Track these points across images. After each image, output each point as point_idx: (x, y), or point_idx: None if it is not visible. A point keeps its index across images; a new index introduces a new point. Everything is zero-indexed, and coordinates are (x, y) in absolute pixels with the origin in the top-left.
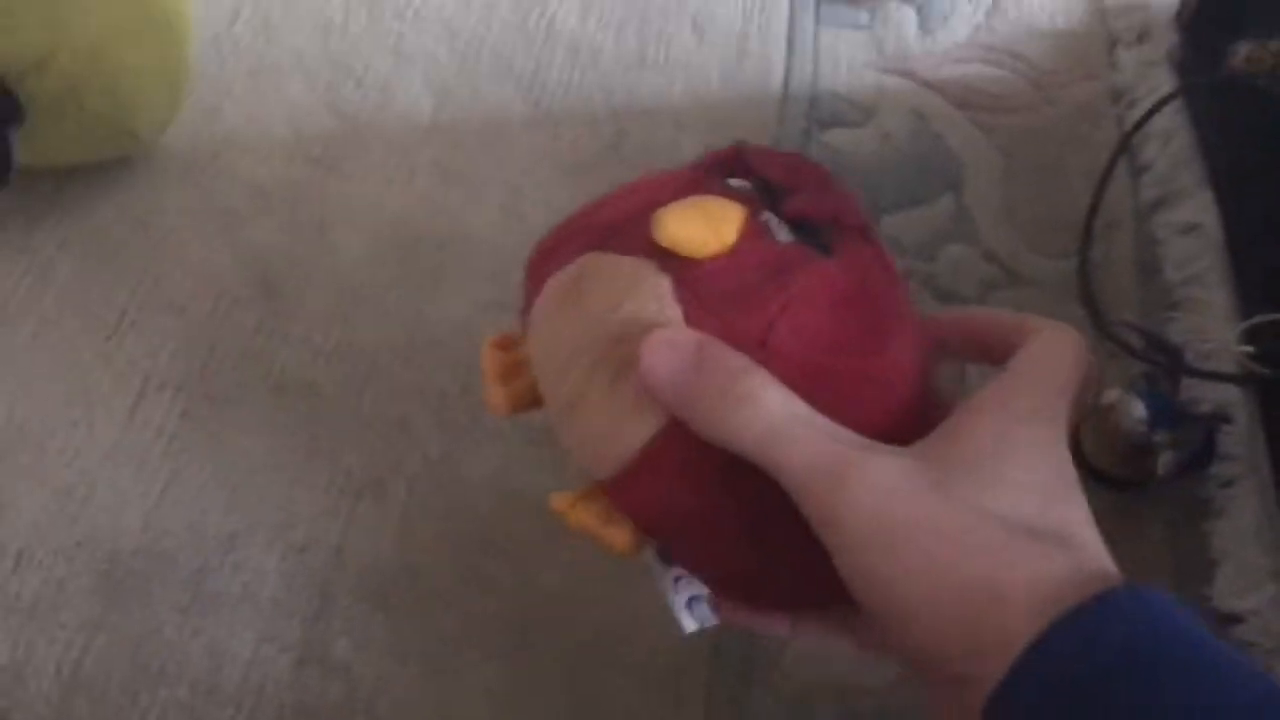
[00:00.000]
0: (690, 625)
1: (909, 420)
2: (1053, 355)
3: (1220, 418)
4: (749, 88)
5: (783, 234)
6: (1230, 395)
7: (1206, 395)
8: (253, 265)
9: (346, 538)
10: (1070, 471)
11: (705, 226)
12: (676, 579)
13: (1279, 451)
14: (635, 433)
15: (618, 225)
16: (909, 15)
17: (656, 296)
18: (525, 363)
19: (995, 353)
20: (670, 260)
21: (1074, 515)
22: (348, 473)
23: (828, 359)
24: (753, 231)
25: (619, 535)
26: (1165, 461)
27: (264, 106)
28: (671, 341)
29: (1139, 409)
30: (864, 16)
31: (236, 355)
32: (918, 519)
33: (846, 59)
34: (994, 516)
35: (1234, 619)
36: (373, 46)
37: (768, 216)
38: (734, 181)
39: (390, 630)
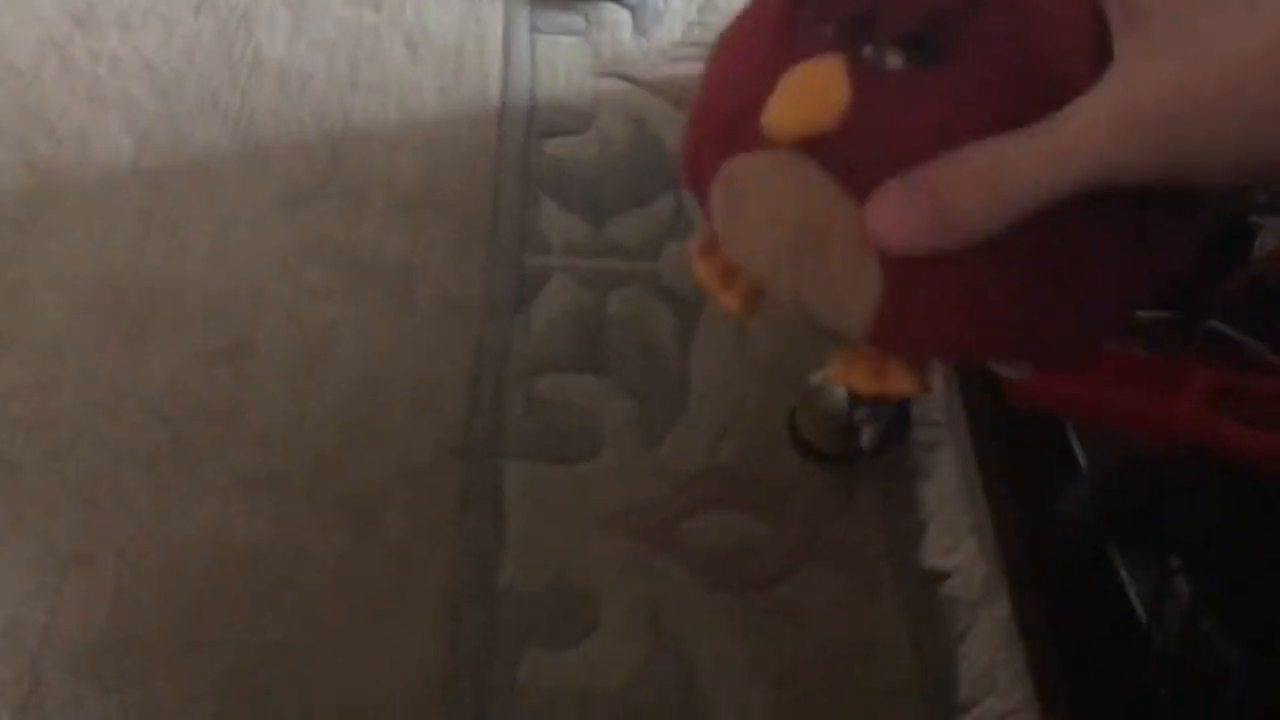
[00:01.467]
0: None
1: None
2: None
3: None
4: (466, 103)
5: (892, 59)
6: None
7: None
8: None
9: (56, 615)
10: None
11: (813, 101)
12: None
13: (975, 413)
14: (866, 300)
15: (733, 122)
16: (624, 17)
17: (809, 185)
18: (734, 264)
19: None
20: (808, 145)
21: None
22: (54, 546)
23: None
24: (862, 77)
25: (905, 380)
26: (867, 436)
27: None
28: (879, 201)
29: (839, 390)
30: (579, 21)
31: None
32: None
33: (564, 66)
34: None
35: (942, 576)
36: (67, 94)
37: (869, 50)
38: (817, 26)
39: (108, 706)
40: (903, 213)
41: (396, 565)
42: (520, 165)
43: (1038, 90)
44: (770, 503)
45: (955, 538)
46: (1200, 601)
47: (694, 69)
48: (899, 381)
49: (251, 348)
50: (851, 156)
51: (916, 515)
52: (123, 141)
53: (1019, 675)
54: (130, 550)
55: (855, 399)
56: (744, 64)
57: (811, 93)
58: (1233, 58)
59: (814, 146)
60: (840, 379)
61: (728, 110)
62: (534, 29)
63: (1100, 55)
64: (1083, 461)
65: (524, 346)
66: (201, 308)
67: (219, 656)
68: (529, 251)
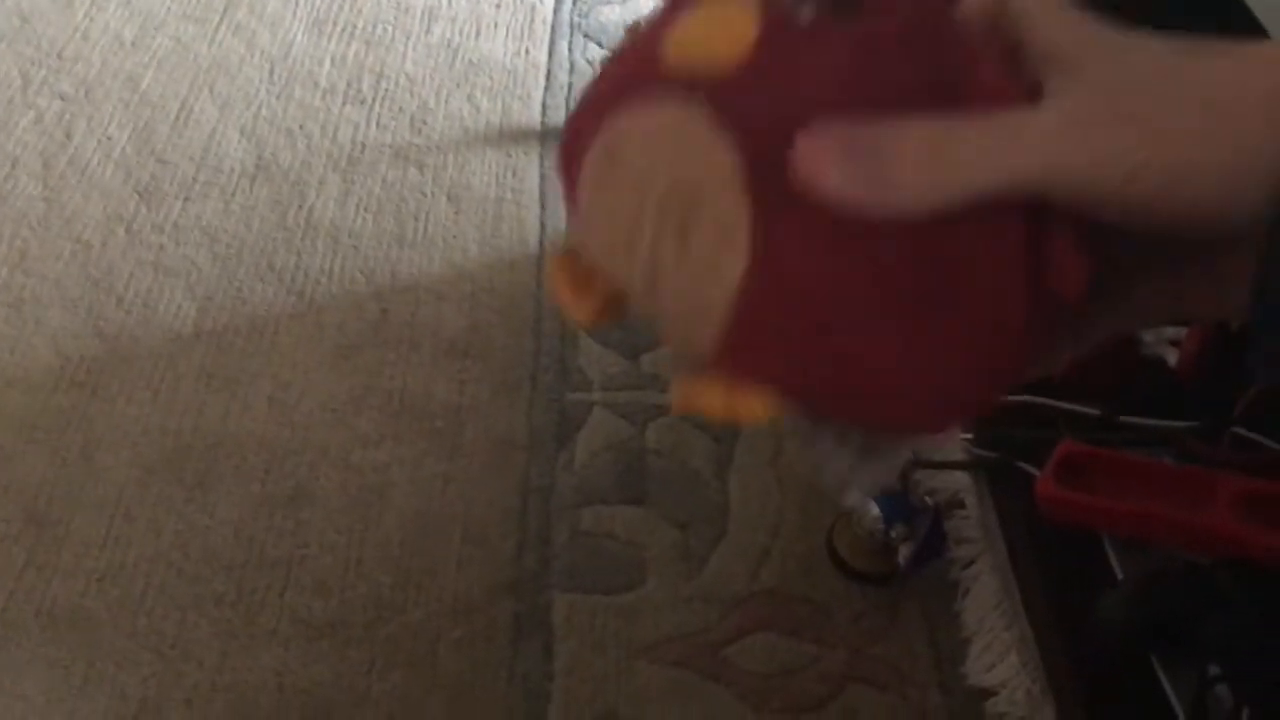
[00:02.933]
0: (860, 490)
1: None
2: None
3: (951, 504)
4: (507, 251)
5: (805, 9)
6: (961, 482)
7: (939, 486)
8: (19, 499)
9: None
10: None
11: (715, 31)
12: (834, 436)
13: (1010, 528)
14: (727, 275)
15: (627, 77)
16: None
17: (691, 136)
18: (595, 269)
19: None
20: (695, 89)
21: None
22: (124, 695)
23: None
24: (772, 21)
25: (756, 403)
26: (904, 554)
27: (25, 337)
28: (819, 139)
29: (874, 509)
30: None
31: (5, 595)
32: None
33: None
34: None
35: (988, 692)
36: (133, 264)
37: None
38: None
39: None
40: (840, 159)
41: (452, 703)
42: (559, 307)
43: (943, 71)
44: (814, 624)
45: (998, 653)
46: (1243, 710)
47: None
48: (750, 402)
49: (309, 495)
50: (746, 106)
51: (959, 633)
52: (185, 306)
53: None
54: (196, 698)
55: (890, 515)
56: (647, 29)
57: (716, 25)
58: (1165, 134)
59: (706, 91)
60: (683, 403)
61: (621, 71)
62: None
63: (1010, 76)
64: (1119, 572)
65: (568, 481)
66: (261, 459)
67: None
68: (570, 388)
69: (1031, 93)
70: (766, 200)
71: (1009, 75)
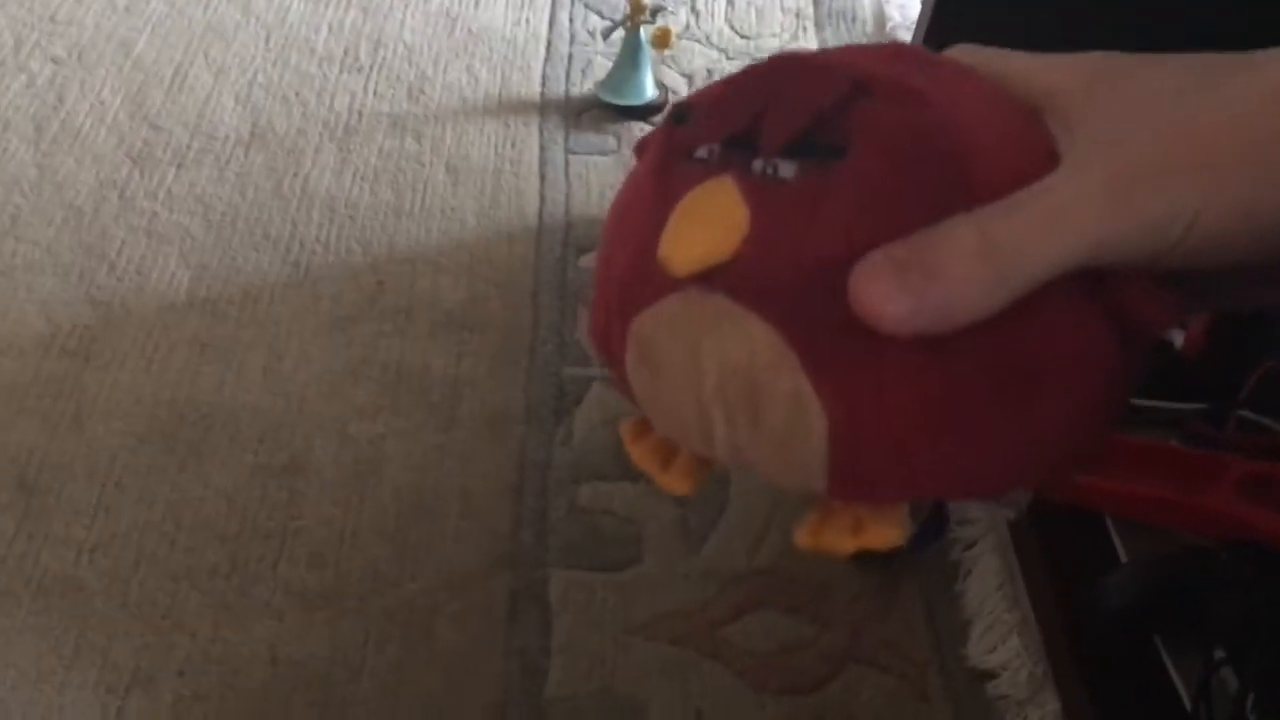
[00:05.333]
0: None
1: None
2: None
3: None
4: (505, 223)
5: (785, 168)
6: None
7: None
8: (9, 467)
9: None
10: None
11: (710, 226)
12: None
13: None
14: (813, 443)
15: (631, 278)
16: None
17: (722, 321)
18: (669, 439)
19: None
20: (709, 278)
21: None
22: (116, 667)
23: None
24: (757, 193)
25: (885, 531)
26: (907, 533)
27: (16, 303)
28: (869, 273)
29: None
30: (611, 142)
31: None
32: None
33: (598, 184)
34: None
35: (989, 674)
36: (126, 231)
37: (759, 164)
38: (700, 153)
39: None
40: (896, 291)
41: (447, 676)
42: (558, 280)
43: (943, 179)
44: (813, 604)
45: (999, 635)
46: (1247, 692)
47: None
48: (878, 533)
49: (303, 466)
50: (762, 280)
51: (960, 614)
52: (179, 273)
53: None
54: (189, 669)
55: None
56: (633, 215)
57: (706, 218)
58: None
59: (720, 278)
60: (811, 543)
61: (623, 268)
62: (568, 150)
63: (1021, 151)
64: (1122, 554)
65: (566, 456)
66: (255, 429)
67: None
68: (568, 363)
69: (1040, 153)
70: (820, 361)
71: (1007, 141)
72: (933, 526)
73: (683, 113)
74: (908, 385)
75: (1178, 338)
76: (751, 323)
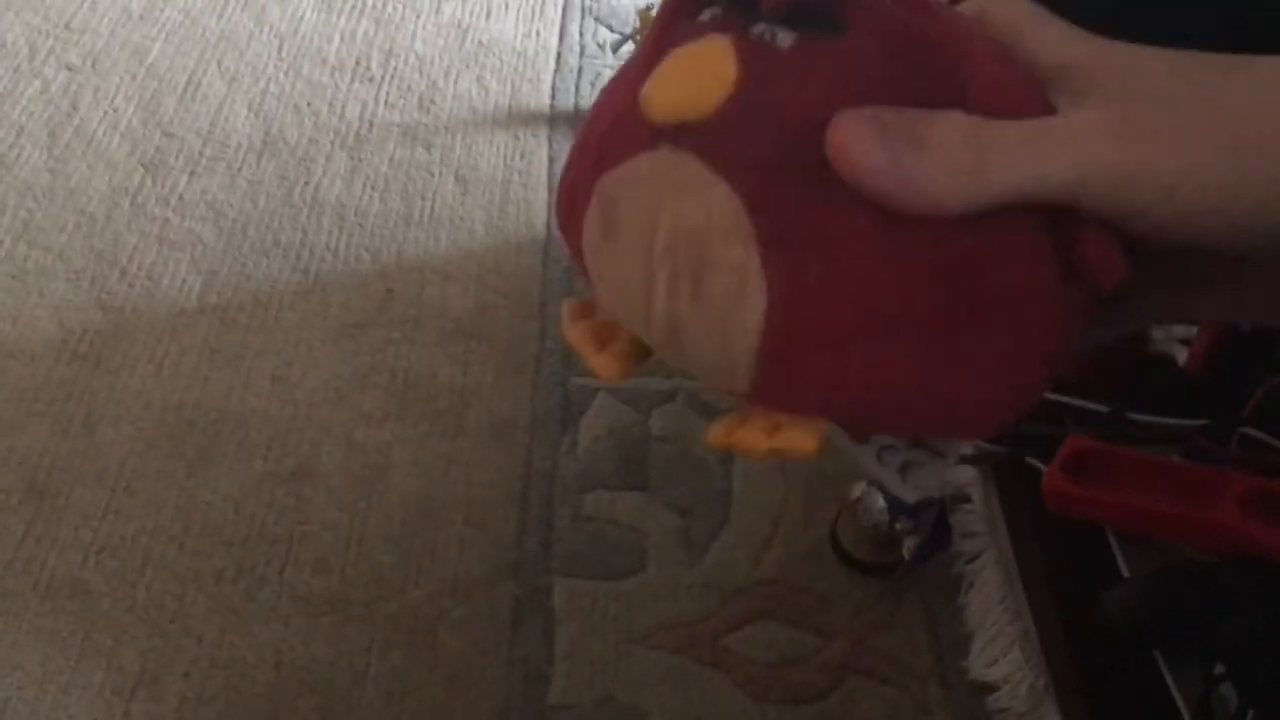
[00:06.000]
0: (912, 495)
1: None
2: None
3: (957, 498)
4: (513, 233)
5: (783, 36)
6: (967, 476)
7: (946, 479)
8: (19, 470)
9: None
10: None
11: (697, 78)
12: (880, 451)
13: (1015, 524)
14: (748, 319)
15: (609, 136)
16: None
17: (688, 182)
18: (611, 321)
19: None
20: (684, 135)
21: None
22: (121, 669)
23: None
24: (751, 54)
25: (801, 438)
26: (910, 546)
27: (28, 308)
28: (855, 124)
29: (879, 500)
30: None
31: (3, 566)
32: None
33: None
34: None
35: (990, 687)
36: (138, 237)
37: (760, 29)
38: (704, 15)
39: None
40: (875, 146)
41: (451, 683)
42: (565, 291)
43: (939, 80)
44: (815, 615)
45: (1001, 648)
46: (1246, 708)
47: None
48: (794, 437)
49: (311, 472)
50: (738, 144)
51: (962, 627)
52: (189, 280)
53: None
54: (194, 672)
55: (894, 507)
56: (624, 77)
57: (694, 70)
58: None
59: (693, 137)
60: (725, 439)
61: (601, 130)
62: None
63: (1011, 78)
64: (1124, 568)
65: (571, 465)
66: (263, 436)
67: None
68: (574, 373)
69: (1038, 102)
70: (774, 237)
71: (1010, 77)
72: (935, 539)
73: None
74: (856, 276)
75: (1180, 354)
76: (715, 187)
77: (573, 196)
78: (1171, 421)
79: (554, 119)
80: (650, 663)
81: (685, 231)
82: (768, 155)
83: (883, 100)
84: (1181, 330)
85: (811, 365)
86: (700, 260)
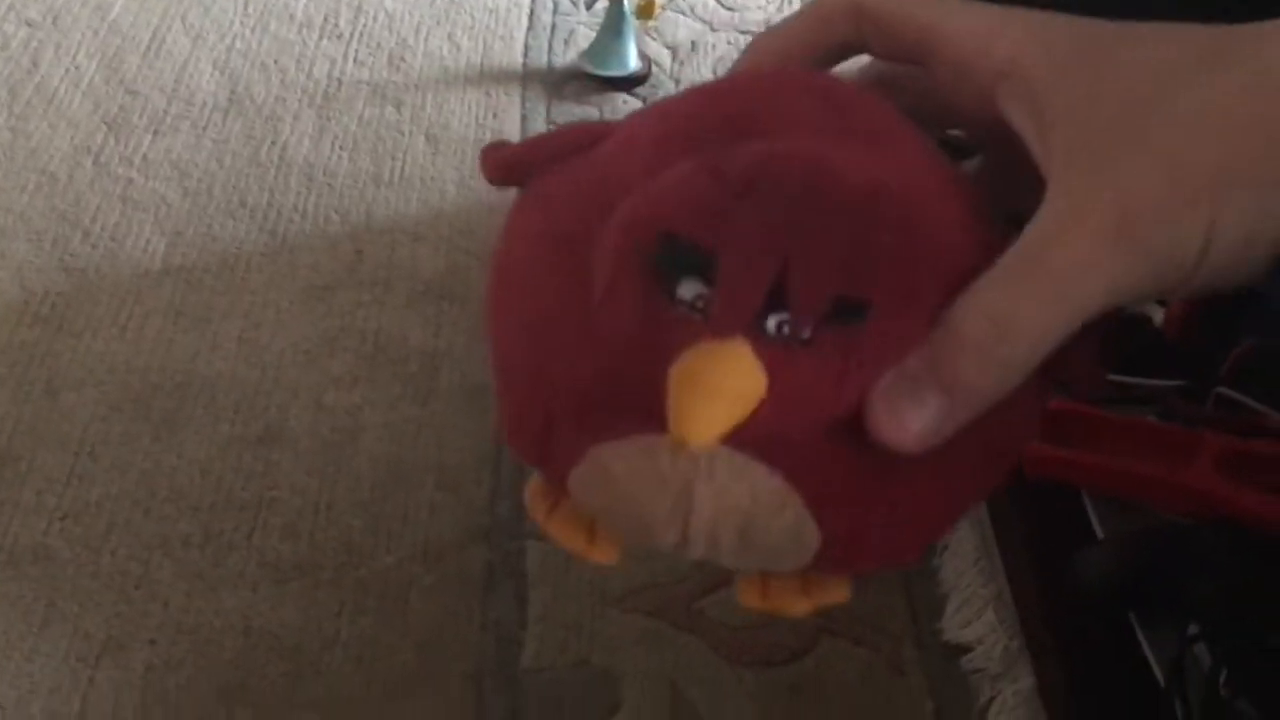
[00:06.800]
0: None
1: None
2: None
3: None
4: (486, 194)
5: (805, 329)
6: None
7: None
8: None
9: (88, 704)
10: None
11: (726, 403)
12: None
13: None
14: (801, 555)
15: (598, 397)
16: (637, 107)
17: (718, 464)
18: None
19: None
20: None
21: None
22: (87, 636)
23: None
24: (773, 357)
25: (837, 590)
26: None
27: None
28: (892, 401)
29: None
30: (594, 113)
31: None
32: None
33: None
34: None
35: (964, 649)
36: (100, 197)
37: (774, 322)
38: (683, 291)
39: None
40: (916, 414)
41: (422, 648)
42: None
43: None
44: None
45: (975, 610)
46: (1221, 670)
47: None
48: (829, 593)
49: (279, 436)
50: (774, 435)
51: (936, 588)
52: (154, 241)
53: None
54: (161, 639)
55: None
56: (591, 321)
57: (722, 391)
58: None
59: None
60: (759, 604)
61: (586, 379)
62: (550, 121)
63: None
64: (1099, 530)
65: None
66: (230, 399)
67: None
68: None
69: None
70: (825, 498)
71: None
72: None
73: (669, 247)
74: (911, 498)
75: (1157, 314)
76: (755, 471)
77: (548, 439)
78: (1147, 382)
79: (527, 77)
80: (624, 626)
81: (728, 509)
82: (808, 443)
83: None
84: None
85: (868, 563)
86: (747, 528)
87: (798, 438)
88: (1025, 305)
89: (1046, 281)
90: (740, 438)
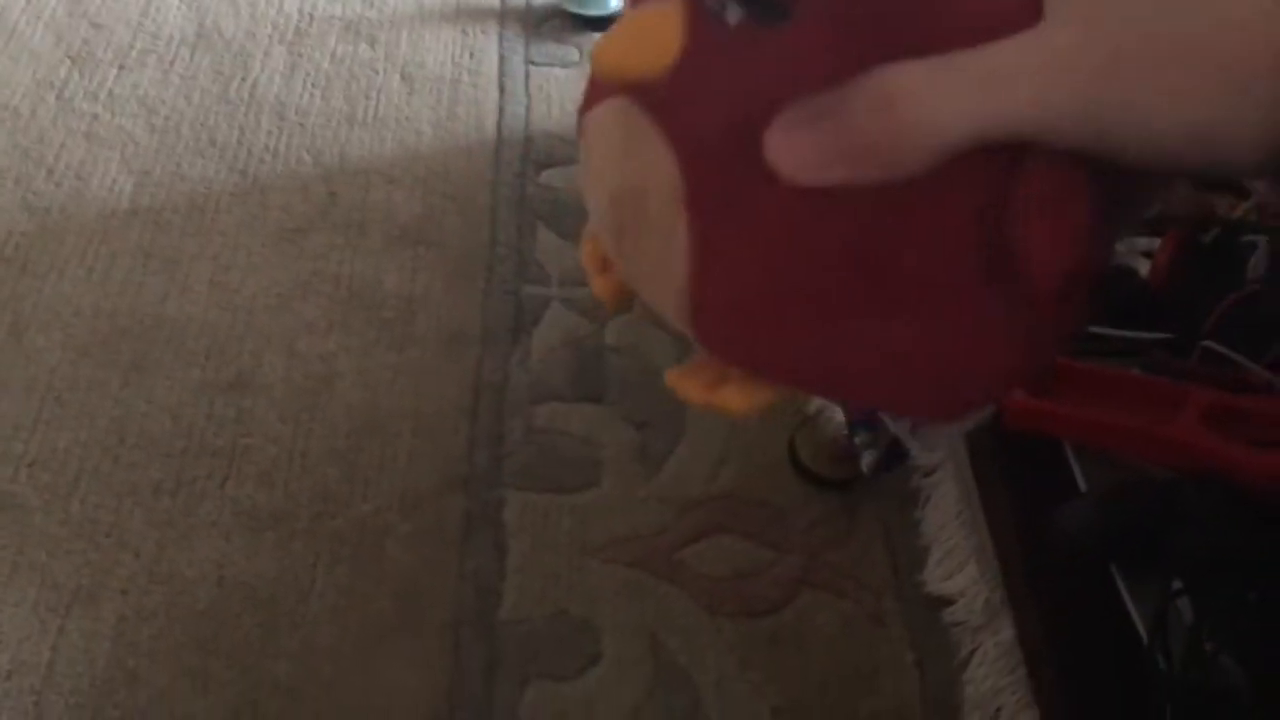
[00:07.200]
0: (921, 450)
1: None
2: None
3: None
4: (463, 136)
5: (733, 11)
6: None
7: None
8: None
9: (58, 653)
10: None
11: (642, 44)
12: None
13: (973, 437)
14: (676, 281)
15: (593, 75)
16: None
17: (635, 137)
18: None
19: None
20: (641, 92)
21: None
22: (56, 585)
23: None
24: (700, 25)
25: (735, 398)
26: (867, 460)
27: None
28: (788, 123)
29: (838, 414)
30: (573, 53)
31: None
32: None
33: (558, 97)
34: None
35: (945, 601)
36: (65, 134)
37: (712, 1)
38: None
39: None
40: (805, 136)
41: (398, 598)
42: (517, 196)
43: (891, 35)
44: (770, 529)
45: (956, 562)
46: (1203, 623)
47: None
48: (730, 397)
49: (252, 383)
50: (685, 112)
51: (918, 541)
52: (120, 180)
53: (1023, 699)
54: (132, 589)
55: (853, 420)
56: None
57: (641, 36)
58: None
59: (649, 96)
60: (673, 383)
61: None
62: (528, 61)
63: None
64: (1082, 483)
65: (523, 376)
66: (201, 344)
67: (222, 692)
68: (527, 282)
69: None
70: (703, 205)
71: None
72: (893, 453)
73: None
74: (764, 246)
75: (1142, 266)
76: (660, 145)
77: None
78: (1132, 335)
79: (504, 15)
80: (604, 576)
81: (630, 184)
82: (709, 129)
83: (816, 88)
84: (1144, 242)
85: (734, 329)
86: (640, 215)
87: (701, 123)
88: (953, 84)
89: (983, 69)
90: (658, 104)
